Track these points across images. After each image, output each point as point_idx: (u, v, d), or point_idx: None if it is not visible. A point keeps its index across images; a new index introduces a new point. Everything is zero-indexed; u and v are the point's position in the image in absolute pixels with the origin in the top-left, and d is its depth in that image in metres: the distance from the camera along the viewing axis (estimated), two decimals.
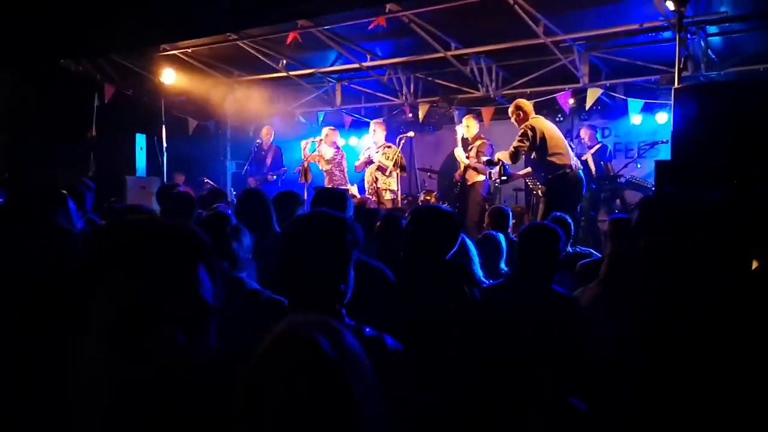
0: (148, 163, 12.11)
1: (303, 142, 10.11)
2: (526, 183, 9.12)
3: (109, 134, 11.72)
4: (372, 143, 9.48)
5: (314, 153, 9.85)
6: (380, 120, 10.14)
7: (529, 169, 8.17)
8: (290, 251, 2.00)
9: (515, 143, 7.31)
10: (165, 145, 11.02)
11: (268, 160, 11.01)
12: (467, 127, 9.09)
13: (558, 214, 5.43)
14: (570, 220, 5.38)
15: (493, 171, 8.40)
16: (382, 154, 9.24)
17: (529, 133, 7.21)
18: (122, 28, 8.98)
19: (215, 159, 13.32)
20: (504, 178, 8.01)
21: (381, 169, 9.20)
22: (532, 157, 7.48)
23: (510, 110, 7.64)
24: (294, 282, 1.99)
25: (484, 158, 8.54)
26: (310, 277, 1.95)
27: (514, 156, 7.40)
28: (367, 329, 1.98)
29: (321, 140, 9.88)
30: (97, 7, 8.56)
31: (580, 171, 7.51)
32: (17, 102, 11.14)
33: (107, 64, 11.36)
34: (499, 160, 7.78)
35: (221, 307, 2.66)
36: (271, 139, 11.16)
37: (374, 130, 9.46)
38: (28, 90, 11.11)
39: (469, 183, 8.98)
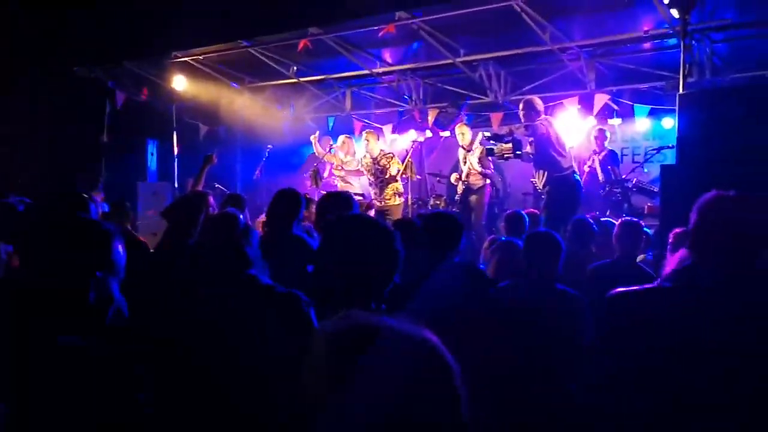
0: (159, 169, 12.26)
1: (313, 137, 10.19)
2: (534, 187, 9.20)
3: (121, 140, 11.88)
4: (365, 153, 9.27)
5: (332, 154, 9.92)
6: (372, 130, 10.01)
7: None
8: (344, 254, 2.08)
9: (534, 123, 7.26)
10: (176, 150, 11.15)
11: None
12: (461, 134, 9.17)
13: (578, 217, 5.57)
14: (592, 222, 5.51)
15: (498, 146, 7.62)
16: (380, 162, 9.19)
17: (546, 123, 7.27)
18: (136, 36, 9.13)
19: (226, 164, 13.45)
20: (519, 152, 7.45)
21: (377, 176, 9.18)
22: (536, 154, 7.44)
23: (520, 107, 7.58)
24: (342, 281, 2.07)
25: (487, 134, 8.01)
26: (360, 279, 2.05)
27: (533, 130, 7.19)
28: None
29: (338, 147, 9.90)
30: (112, 16, 8.72)
31: (576, 175, 7.56)
32: (31, 108, 11.31)
33: (119, 71, 11.50)
34: (510, 131, 7.43)
35: (235, 304, 2.77)
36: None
37: (367, 140, 9.25)
38: (41, 96, 11.27)
39: (474, 188, 9.05)
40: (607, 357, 2.14)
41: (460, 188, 9.18)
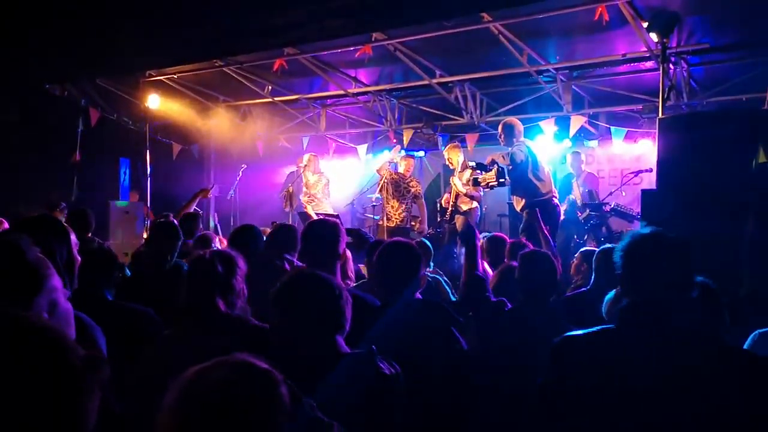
0: (131, 188, 12.04)
1: (300, 160, 10.19)
2: (511, 208, 9.13)
3: (93, 159, 11.64)
4: (399, 170, 9.64)
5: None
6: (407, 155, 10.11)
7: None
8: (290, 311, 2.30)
9: (512, 150, 7.19)
10: (149, 169, 10.94)
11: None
12: (449, 159, 9.08)
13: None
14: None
15: (482, 175, 7.64)
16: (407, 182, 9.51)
17: (524, 148, 7.19)
18: (109, 54, 8.95)
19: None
20: (502, 180, 7.39)
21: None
22: (513, 179, 7.36)
23: (500, 129, 7.50)
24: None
25: (472, 163, 8.05)
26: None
27: (511, 158, 7.12)
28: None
29: (304, 167, 9.89)
30: (85, 32, 8.54)
31: (556, 199, 7.49)
32: (0, 125, 11.03)
33: (92, 89, 11.29)
34: (493, 161, 7.33)
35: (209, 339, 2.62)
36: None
37: (406, 162, 9.67)
38: (11, 113, 11.01)
39: (462, 210, 8.98)
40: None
41: (449, 210, 9.13)
